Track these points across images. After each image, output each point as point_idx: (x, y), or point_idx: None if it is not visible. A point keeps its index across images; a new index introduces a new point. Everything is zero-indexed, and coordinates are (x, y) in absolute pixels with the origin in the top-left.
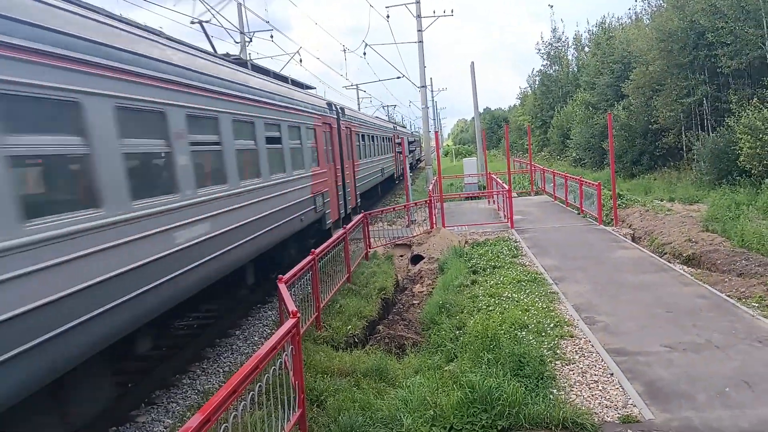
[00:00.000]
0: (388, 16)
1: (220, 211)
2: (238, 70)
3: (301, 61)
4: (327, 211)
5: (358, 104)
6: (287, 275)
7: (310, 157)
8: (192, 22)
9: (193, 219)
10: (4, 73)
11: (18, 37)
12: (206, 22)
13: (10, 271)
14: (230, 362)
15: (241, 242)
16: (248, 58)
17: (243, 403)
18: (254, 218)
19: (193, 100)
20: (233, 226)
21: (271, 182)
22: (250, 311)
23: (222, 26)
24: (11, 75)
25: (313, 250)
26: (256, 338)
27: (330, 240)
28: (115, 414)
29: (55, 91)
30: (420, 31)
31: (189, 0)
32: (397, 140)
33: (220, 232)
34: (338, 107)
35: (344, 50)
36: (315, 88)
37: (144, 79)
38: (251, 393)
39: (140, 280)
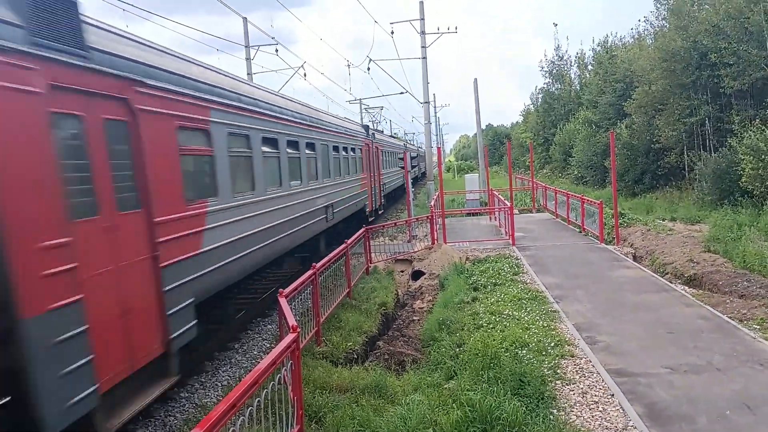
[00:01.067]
0: (392, 32)
1: (335, 191)
2: (335, 117)
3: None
4: (367, 203)
5: (361, 118)
6: (288, 289)
7: (361, 165)
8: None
9: (316, 197)
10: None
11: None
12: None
13: (231, 218)
14: (229, 376)
15: (342, 207)
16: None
17: (242, 418)
18: (346, 196)
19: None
20: (339, 199)
21: (348, 179)
22: (249, 325)
23: (227, 39)
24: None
25: (313, 264)
26: (255, 352)
27: (331, 254)
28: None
29: (244, 129)
30: (424, 47)
31: (200, 14)
32: (399, 155)
33: (337, 200)
34: (372, 131)
35: (348, 65)
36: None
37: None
38: (250, 408)
39: (273, 233)
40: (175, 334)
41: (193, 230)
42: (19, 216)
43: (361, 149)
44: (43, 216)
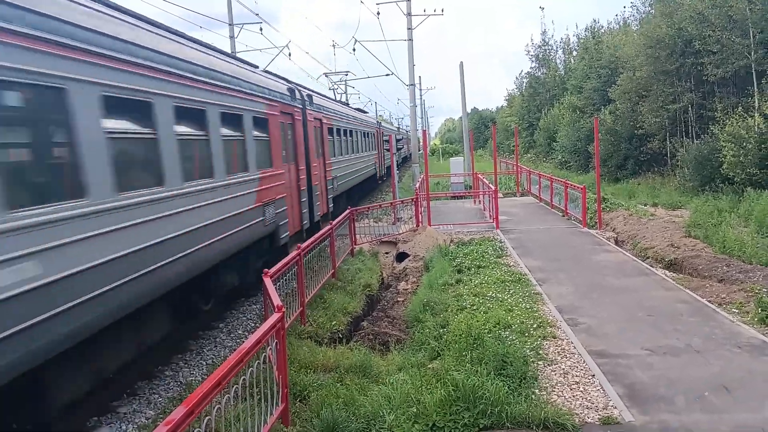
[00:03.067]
0: (378, 13)
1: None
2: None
3: (290, 55)
4: (282, 223)
5: (346, 99)
6: (273, 269)
7: (260, 155)
8: None
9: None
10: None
11: None
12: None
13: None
14: (213, 355)
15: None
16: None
17: (227, 396)
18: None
19: None
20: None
21: (185, 190)
22: (234, 304)
23: (210, 17)
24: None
25: (299, 244)
26: (240, 331)
27: (316, 235)
28: (96, 404)
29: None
30: (410, 29)
31: None
32: (384, 137)
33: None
34: (305, 93)
35: (334, 45)
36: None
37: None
38: (235, 386)
39: None
40: (305, 222)
41: (327, 171)
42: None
43: (267, 121)
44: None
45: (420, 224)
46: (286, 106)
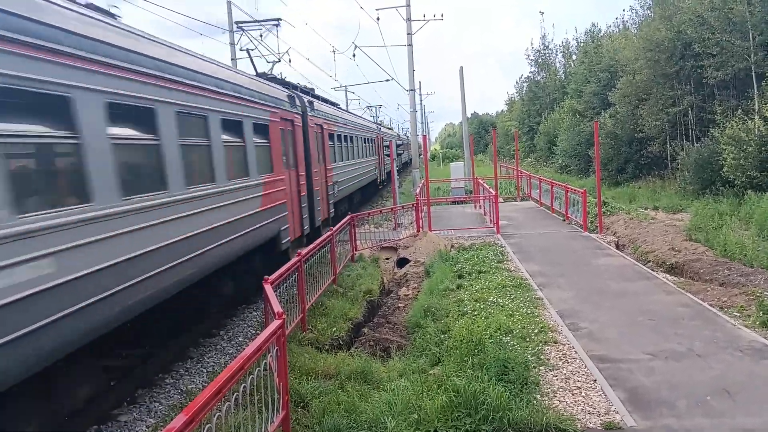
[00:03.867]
0: (378, 18)
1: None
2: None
3: (290, 61)
4: (283, 228)
5: (347, 105)
6: (273, 276)
7: (263, 160)
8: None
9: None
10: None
11: None
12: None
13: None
14: (214, 362)
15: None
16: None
17: (227, 404)
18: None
19: None
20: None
21: (189, 195)
22: (235, 311)
23: (208, 23)
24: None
25: (299, 251)
26: (240, 339)
27: (317, 241)
28: (97, 412)
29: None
30: (410, 34)
31: None
32: (384, 143)
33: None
34: (305, 99)
35: (333, 51)
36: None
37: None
38: (235, 394)
39: None
40: (306, 227)
41: (328, 176)
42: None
43: (267, 129)
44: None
45: (420, 229)
46: (286, 111)
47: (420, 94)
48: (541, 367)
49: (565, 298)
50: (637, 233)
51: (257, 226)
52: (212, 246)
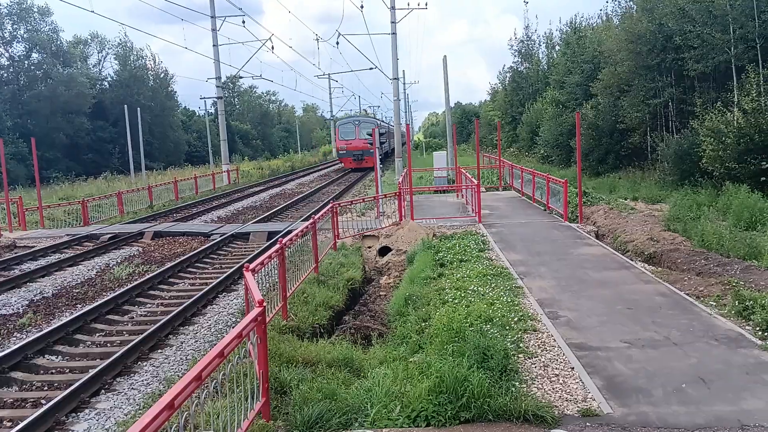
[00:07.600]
0: (362, 7)
1: None
2: None
3: (273, 48)
4: None
5: (330, 95)
6: (254, 264)
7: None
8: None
9: None
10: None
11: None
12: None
13: None
14: (193, 350)
15: None
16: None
17: (206, 391)
18: None
19: None
20: None
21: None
22: (215, 299)
23: (192, 9)
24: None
25: (280, 239)
26: (220, 326)
27: (298, 229)
28: (72, 400)
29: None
30: (393, 22)
31: None
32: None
33: None
34: (378, 122)
35: (317, 39)
36: None
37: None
38: (215, 381)
39: None
40: None
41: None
42: None
43: (389, 132)
44: None
45: (403, 218)
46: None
47: (404, 83)
48: (520, 355)
49: (545, 287)
50: (617, 223)
51: None
52: None
